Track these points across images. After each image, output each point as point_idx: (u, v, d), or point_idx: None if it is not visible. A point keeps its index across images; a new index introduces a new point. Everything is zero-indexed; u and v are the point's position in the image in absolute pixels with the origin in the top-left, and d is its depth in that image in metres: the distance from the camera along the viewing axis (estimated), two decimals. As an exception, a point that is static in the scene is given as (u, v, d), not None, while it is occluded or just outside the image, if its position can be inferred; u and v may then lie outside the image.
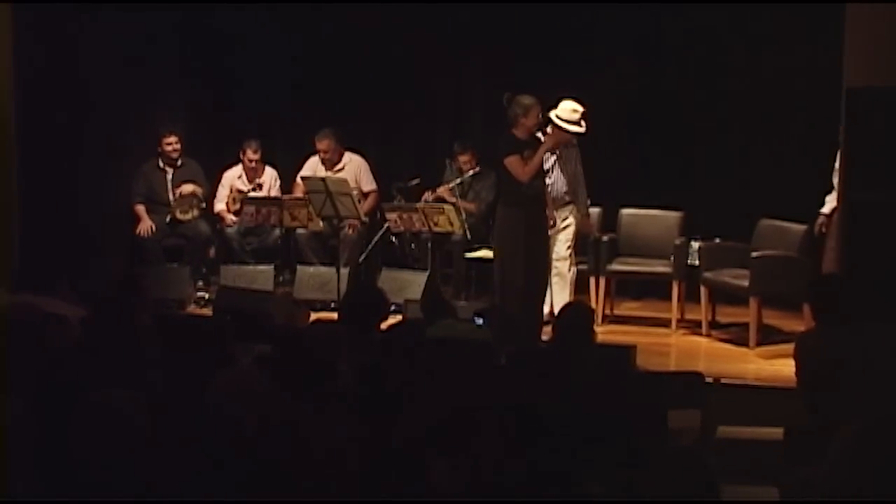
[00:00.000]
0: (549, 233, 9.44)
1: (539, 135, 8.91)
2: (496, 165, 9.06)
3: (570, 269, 9.66)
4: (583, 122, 9.23)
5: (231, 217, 10.85)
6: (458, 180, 10.53)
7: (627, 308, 10.44)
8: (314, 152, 10.89)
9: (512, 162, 8.66)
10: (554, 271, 9.55)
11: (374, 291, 6.89)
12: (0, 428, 3.93)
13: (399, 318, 8.35)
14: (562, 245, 9.65)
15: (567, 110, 9.18)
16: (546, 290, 9.07)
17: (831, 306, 5.91)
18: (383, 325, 6.56)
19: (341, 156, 10.83)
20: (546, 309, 9.28)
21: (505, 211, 8.83)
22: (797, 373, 5.94)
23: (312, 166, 10.81)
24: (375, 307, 6.52)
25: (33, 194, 10.16)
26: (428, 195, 10.60)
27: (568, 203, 9.64)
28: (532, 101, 8.69)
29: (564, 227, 9.67)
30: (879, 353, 5.71)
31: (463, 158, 10.58)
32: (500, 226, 8.86)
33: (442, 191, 10.62)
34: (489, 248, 9.68)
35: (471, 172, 10.56)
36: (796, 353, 5.97)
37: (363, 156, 10.95)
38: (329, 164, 10.77)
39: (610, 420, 5.40)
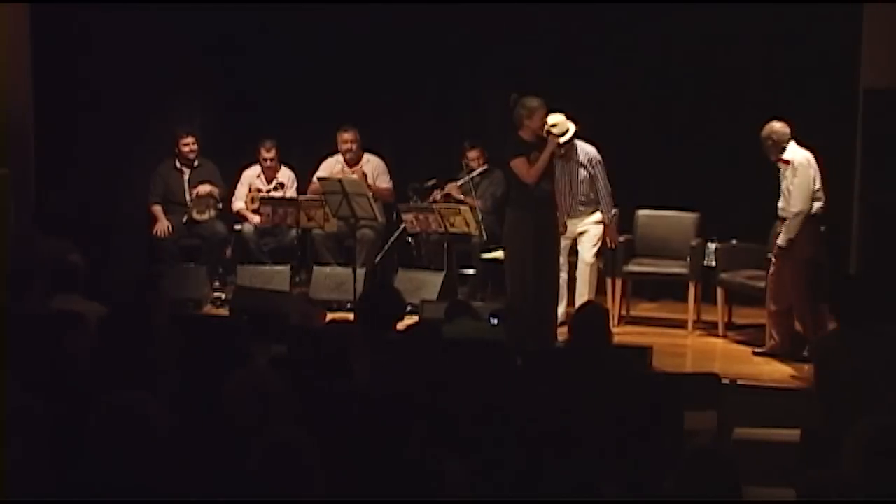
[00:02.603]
0: (568, 235, 9.47)
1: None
2: (504, 167, 9.06)
3: (595, 274, 9.72)
4: (568, 129, 9.21)
5: (252, 216, 10.83)
6: (467, 177, 10.52)
7: (643, 309, 10.43)
8: (330, 153, 10.89)
9: (518, 164, 8.65)
10: (577, 272, 9.60)
11: (389, 292, 6.88)
12: (15, 426, 3.94)
13: (415, 318, 8.38)
14: (586, 248, 9.69)
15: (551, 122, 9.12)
16: (556, 291, 9.02)
17: (852, 308, 5.89)
18: (400, 326, 6.56)
19: (362, 154, 10.85)
20: (562, 309, 9.27)
21: (513, 213, 8.82)
22: (815, 374, 5.92)
23: (329, 167, 10.82)
24: (391, 308, 6.52)
25: (51, 195, 10.20)
26: (437, 194, 10.60)
27: (595, 209, 9.71)
28: (536, 104, 8.66)
29: (583, 231, 9.71)
30: (896, 354, 5.70)
31: (471, 155, 10.58)
32: (509, 228, 8.85)
33: (450, 188, 10.61)
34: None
35: (479, 170, 10.54)
36: (816, 354, 5.95)
37: (381, 157, 10.96)
38: (353, 159, 10.77)
39: (626, 421, 5.40)
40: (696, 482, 3.78)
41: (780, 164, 8.73)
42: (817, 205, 8.68)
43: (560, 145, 9.09)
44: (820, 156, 9.06)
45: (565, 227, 9.34)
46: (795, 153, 8.69)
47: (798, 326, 8.91)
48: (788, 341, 8.85)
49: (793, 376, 8.41)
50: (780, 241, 8.69)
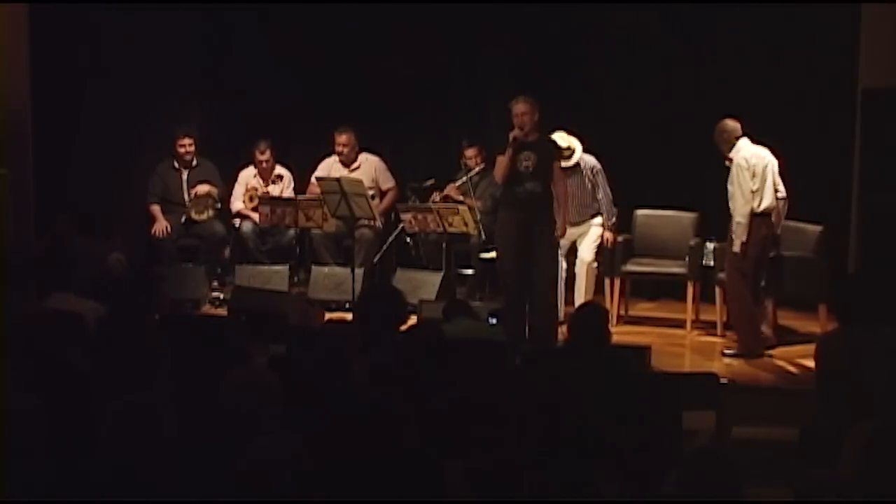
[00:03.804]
0: (568, 237, 9.49)
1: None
2: None
3: (594, 274, 9.81)
4: (574, 150, 9.56)
5: (253, 214, 10.79)
6: (466, 178, 10.51)
7: (642, 308, 10.43)
8: (328, 153, 10.88)
9: (497, 161, 8.76)
10: (576, 271, 9.65)
11: (392, 294, 6.83)
12: (15, 426, 3.93)
13: (413, 318, 8.38)
14: (585, 248, 9.78)
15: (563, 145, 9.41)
16: (551, 291, 8.99)
17: (854, 308, 5.88)
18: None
19: (358, 154, 10.84)
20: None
21: (501, 212, 8.91)
22: (816, 373, 5.91)
23: (327, 167, 10.81)
24: (394, 310, 6.48)
25: (49, 194, 10.19)
26: (436, 196, 10.59)
27: (594, 214, 9.87)
28: (512, 104, 8.70)
29: (582, 232, 9.80)
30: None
31: (469, 153, 10.57)
32: (497, 226, 8.97)
33: (449, 189, 10.61)
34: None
35: (476, 170, 10.54)
36: (817, 354, 5.94)
37: (380, 156, 10.95)
38: (346, 160, 10.76)
39: (625, 421, 5.40)
40: (699, 482, 3.79)
41: (727, 162, 8.82)
42: (755, 202, 8.72)
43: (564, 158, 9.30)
44: (818, 155, 9.08)
45: (563, 231, 9.33)
46: (738, 152, 8.78)
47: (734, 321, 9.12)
48: (771, 332, 9.05)
49: (792, 376, 8.42)
50: (735, 246, 8.77)
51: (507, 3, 10.82)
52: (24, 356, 5.09)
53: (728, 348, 9.02)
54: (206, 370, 5.11)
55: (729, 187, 8.76)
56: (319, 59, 11.39)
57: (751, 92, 10.37)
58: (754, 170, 8.70)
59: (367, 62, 11.29)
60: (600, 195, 9.82)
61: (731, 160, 8.78)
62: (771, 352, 9.00)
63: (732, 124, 8.85)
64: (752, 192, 8.68)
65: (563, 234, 9.32)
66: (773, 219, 8.89)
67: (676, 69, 10.69)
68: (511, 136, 8.62)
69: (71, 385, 4.93)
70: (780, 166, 8.91)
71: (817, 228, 9.37)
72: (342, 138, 10.73)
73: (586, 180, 9.80)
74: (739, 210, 8.68)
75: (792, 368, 8.61)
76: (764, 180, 8.72)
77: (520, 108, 8.66)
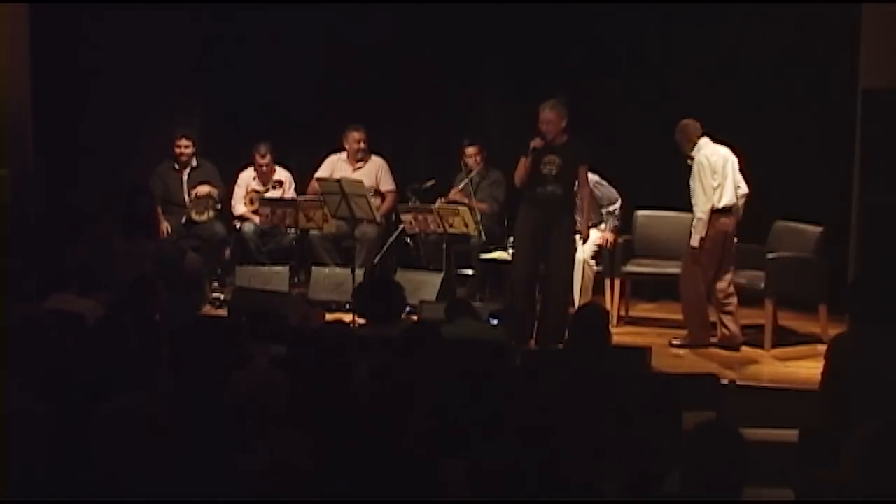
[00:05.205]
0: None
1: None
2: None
3: (592, 274, 9.82)
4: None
5: (255, 217, 10.77)
6: (466, 179, 10.51)
7: (642, 309, 10.42)
8: (330, 152, 10.88)
9: (520, 163, 8.80)
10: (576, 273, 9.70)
11: (390, 284, 6.85)
12: (15, 426, 3.93)
13: (414, 318, 8.38)
14: (584, 249, 9.77)
15: None
16: (562, 292, 9.02)
17: (869, 309, 5.87)
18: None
19: (370, 155, 10.85)
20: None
21: (521, 209, 9.01)
22: (825, 373, 5.89)
23: (331, 164, 10.81)
24: (392, 300, 6.49)
25: (49, 195, 10.20)
26: (439, 201, 10.58)
27: (598, 222, 9.96)
28: (540, 109, 8.75)
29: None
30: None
31: (469, 151, 10.56)
32: (516, 223, 9.10)
33: (453, 194, 10.60)
34: (504, 249, 9.71)
35: (476, 170, 10.53)
36: (828, 353, 5.93)
37: (383, 158, 10.95)
38: (363, 157, 10.77)
39: (625, 421, 5.40)
40: (705, 458, 3.80)
41: (689, 161, 8.96)
42: (715, 198, 8.88)
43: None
44: (819, 155, 9.07)
45: (587, 234, 9.42)
46: (700, 150, 8.96)
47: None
48: (738, 329, 9.10)
49: (792, 376, 8.42)
50: (693, 241, 8.96)
51: (507, 4, 10.82)
52: (23, 356, 5.09)
53: (675, 338, 9.15)
54: (206, 371, 5.11)
55: (691, 184, 8.92)
56: (319, 60, 11.39)
57: (751, 92, 10.38)
58: (714, 167, 8.87)
59: (367, 62, 11.30)
60: (605, 203, 9.91)
61: (692, 158, 8.92)
62: (771, 352, 9.02)
63: (693, 123, 9.05)
64: (714, 188, 8.86)
65: (587, 238, 9.39)
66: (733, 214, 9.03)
67: (676, 69, 10.68)
68: (531, 145, 8.65)
69: (70, 385, 4.94)
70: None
71: (817, 229, 9.37)
72: (360, 135, 10.74)
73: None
74: (701, 206, 8.88)
75: (792, 368, 8.61)
76: (725, 177, 8.92)
77: (546, 115, 8.70)
